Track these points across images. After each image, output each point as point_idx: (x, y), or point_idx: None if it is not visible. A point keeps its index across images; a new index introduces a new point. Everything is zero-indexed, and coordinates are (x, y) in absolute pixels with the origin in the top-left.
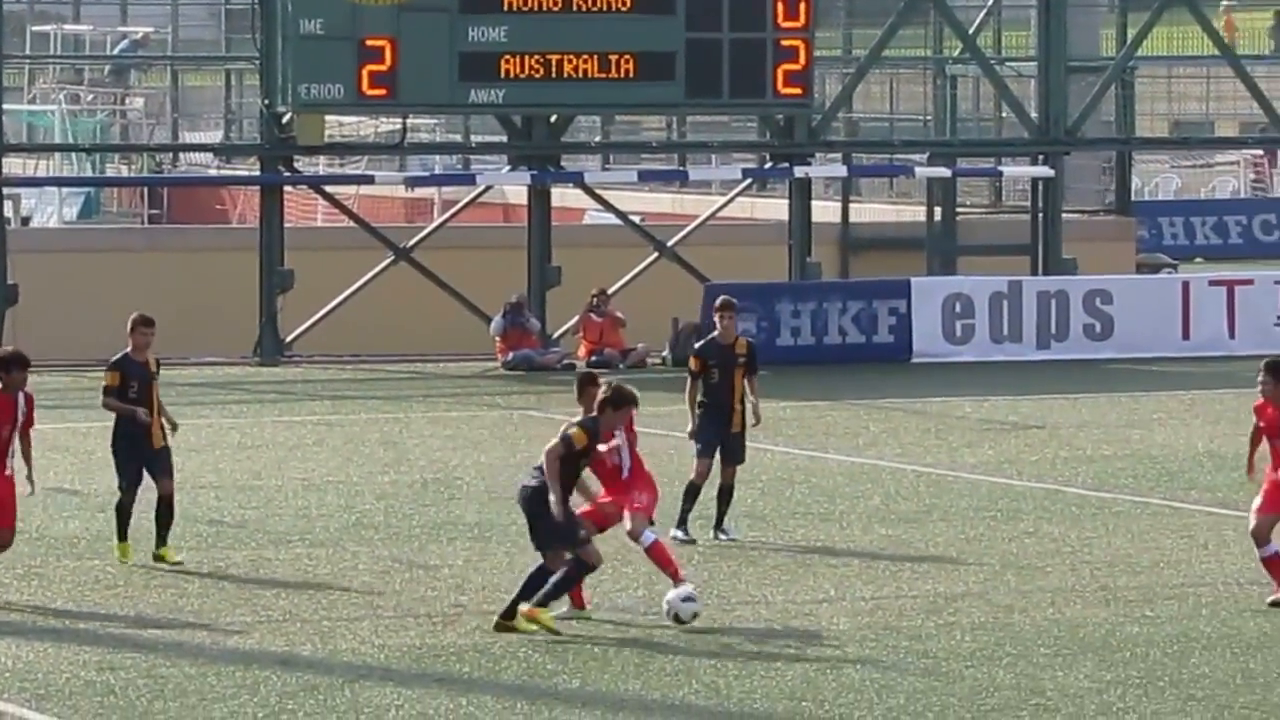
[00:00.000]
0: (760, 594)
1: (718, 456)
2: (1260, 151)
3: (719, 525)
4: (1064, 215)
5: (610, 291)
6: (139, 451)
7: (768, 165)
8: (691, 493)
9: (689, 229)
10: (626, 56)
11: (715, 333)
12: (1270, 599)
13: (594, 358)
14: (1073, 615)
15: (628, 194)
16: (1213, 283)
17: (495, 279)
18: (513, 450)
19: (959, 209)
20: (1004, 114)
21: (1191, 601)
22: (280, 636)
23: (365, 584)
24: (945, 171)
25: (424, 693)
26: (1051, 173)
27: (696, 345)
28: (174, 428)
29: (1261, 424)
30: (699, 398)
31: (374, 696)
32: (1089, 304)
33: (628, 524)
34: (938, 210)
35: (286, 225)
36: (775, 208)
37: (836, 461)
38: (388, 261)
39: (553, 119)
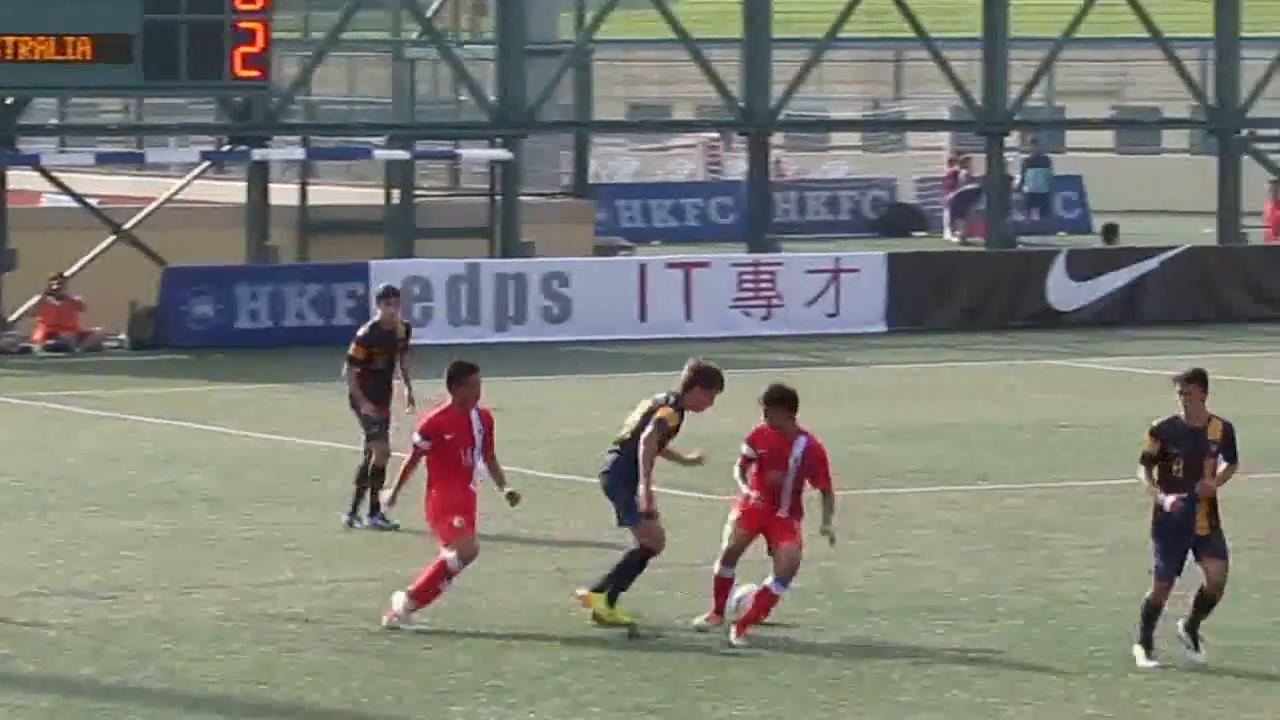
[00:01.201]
0: (218, 577)
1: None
2: (716, 134)
3: (354, 513)
4: (522, 198)
5: (68, 275)
6: None
7: (226, 148)
8: (364, 475)
9: (146, 211)
10: (83, 39)
11: (378, 318)
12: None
13: (51, 341)
14: (530, 597)
15: (86, 176)
16: (670, 265)
17: None
18: None
19: (417, 192)
20: (463, 97)
21: (653, 581)
22: None
23: None
24: (403, 154)
25: None
26: (510, 156)
27: (361, 333)
28: None
29: (763, 451)
30: (368, 383)
31: None
32: (547, 286)
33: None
34: (396, 193)
35: None
36: (234, 190)
37: (298, 445)
38: None
39: (8, 101)
